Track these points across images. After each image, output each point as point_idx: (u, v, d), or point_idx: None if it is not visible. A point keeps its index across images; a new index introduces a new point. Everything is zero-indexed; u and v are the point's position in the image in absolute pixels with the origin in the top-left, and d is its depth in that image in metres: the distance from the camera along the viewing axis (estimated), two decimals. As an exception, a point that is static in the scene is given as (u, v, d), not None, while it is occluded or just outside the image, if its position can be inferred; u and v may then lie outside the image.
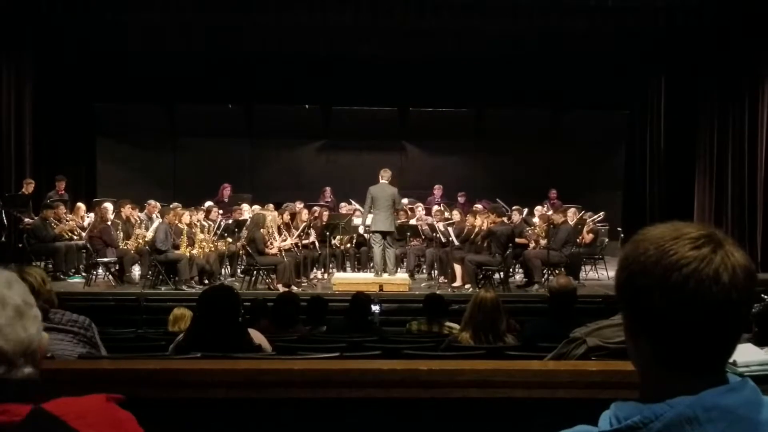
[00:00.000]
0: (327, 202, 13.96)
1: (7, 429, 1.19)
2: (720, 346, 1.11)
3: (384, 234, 10.67)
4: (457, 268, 10.75)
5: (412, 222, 12.23)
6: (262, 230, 10.59)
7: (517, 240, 11.04)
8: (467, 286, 10.46)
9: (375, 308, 7.94)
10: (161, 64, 14.59)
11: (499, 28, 12.93)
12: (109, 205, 11.42)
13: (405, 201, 11.60)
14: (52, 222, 11.28)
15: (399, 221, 12.02)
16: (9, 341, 1.27)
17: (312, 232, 11.71)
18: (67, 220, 11.50)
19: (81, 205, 12.07)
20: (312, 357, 3.73)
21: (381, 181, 10.74)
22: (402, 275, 11.15)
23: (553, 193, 14.49)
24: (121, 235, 11.19)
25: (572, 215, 11.85)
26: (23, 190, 12.33)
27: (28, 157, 13.49)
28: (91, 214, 11.82)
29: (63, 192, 12.76)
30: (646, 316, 1.10)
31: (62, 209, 11.55)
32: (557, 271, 10.56)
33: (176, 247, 10.55)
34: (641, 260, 1.11)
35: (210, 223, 11.50)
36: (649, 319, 1.10)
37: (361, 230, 12.03)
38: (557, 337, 3.58)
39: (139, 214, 11.90)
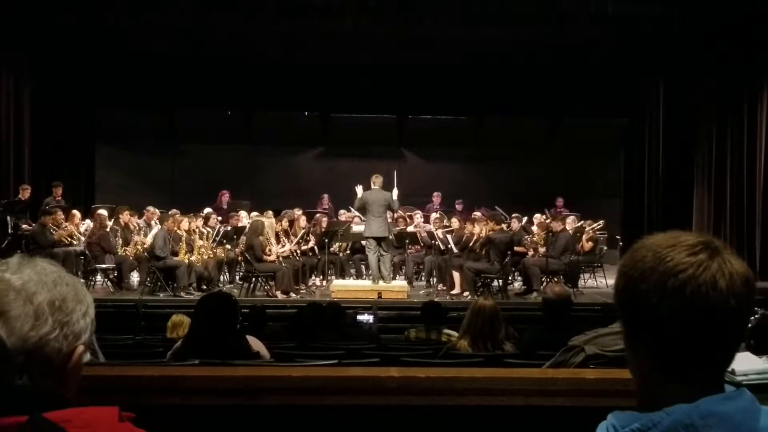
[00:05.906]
0: (325, 209, 13.96)
1: None
2: (718, 354, 1.10)
3: (379, 240, 10.65)
4: (456, 275, 10.73)
5: (411, 229, 12.21)
6: (260, 237, 10.58)
7: (516, 248, 11.03)
8: (466, 293, 10.44)
9: (368, 317, 7.91)
10: (161, 70, 14.63)
11: (498, 36, 12.93)
12: (104, 212, 11.39)
13: (395, 197, 10.90)
14: (51, 228, 11.27)
15: (398, 228, 12.01)
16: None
17: (311, 238, 11.71)
18: (66, 226, 11.48)
19: (76, 212, 12.01)
20: (310, 364, 3.72)
21: (374, 187, 10.65)
22: (400, 282, 11.13)
23: (559, 201, 14.45)
24: (120, 241, 11.18)
25: (572, 223, 11.84)
26: (20, 196, 12.31)
27: (27, 162, 13.50)
28: (87, 221, 11.80)
29: (60, 198, 12.74)
30: (644, 322, 1.10)
31: (60, 215, 11.53)
32: (556, 279, 10.56)
33: (175, 253, 10.53)
34: (639, 267, 1.11)
35: (209, 229, 11.49)
36: (647, 326, 1.10)
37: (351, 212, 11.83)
38: (556, 345, 3.57)
39: (138, 220, 11.87)
